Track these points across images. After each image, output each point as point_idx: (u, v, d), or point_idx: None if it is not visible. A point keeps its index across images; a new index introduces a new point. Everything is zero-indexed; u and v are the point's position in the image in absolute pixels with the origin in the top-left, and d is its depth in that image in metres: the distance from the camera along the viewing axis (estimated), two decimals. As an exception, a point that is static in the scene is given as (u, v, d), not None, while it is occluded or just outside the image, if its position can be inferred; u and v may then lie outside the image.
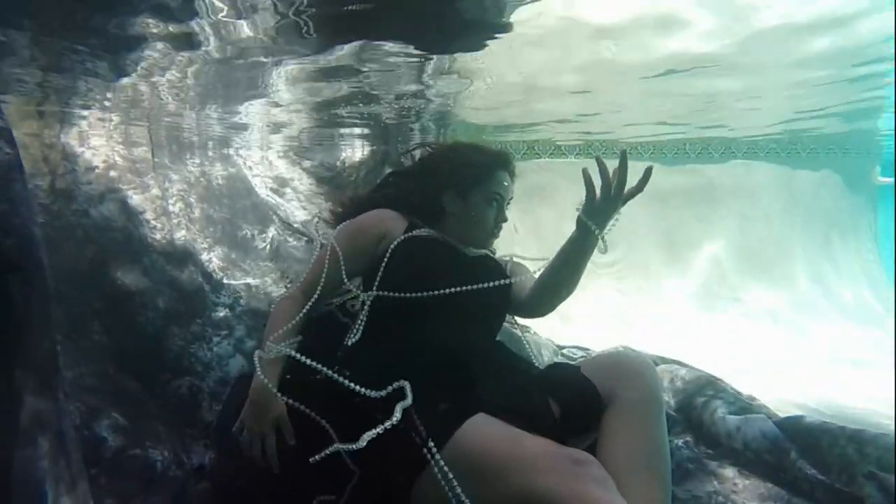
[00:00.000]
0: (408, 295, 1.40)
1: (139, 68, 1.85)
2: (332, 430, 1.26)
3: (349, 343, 1.42)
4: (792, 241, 5.98)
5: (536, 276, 1.55)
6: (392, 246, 1.50)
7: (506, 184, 1.62)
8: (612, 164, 1.39)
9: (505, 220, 1.63)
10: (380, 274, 1.47)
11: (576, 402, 1.29)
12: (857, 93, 3.94)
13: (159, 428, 1.60)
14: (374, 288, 1.46)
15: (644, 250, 5.42)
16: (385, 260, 1.48)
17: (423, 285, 1.42)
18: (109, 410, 1.52)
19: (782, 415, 2.05)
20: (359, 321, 1.46)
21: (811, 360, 4.36)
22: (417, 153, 1.79)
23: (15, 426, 0.71)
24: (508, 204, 1.66)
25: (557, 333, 2.93)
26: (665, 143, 5.56)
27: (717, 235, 5.72)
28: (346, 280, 1.51)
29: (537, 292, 1.56)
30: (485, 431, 1.18)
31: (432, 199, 1.60)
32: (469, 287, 1.42)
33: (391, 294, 1.42)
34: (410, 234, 1.53)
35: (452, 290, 1.41)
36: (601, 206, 1.37)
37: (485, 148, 1.67)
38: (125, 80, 1.97)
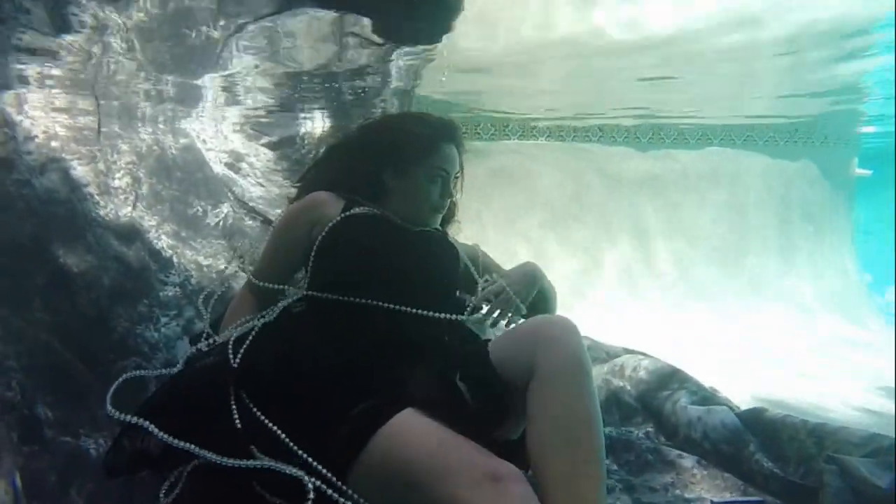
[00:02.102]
0: (342, 298, 1.42)
1: (81, 25, 1.83)
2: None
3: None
4: (766, 232, 6.15)
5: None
6: (323, 232, 1.50)
7: (451, 157, 1.61)
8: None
9: (451, 195, 1.63)
10: (310, 265, 1.49)
11: (480, 394, 1.22)
12: (837, 80, 4.08)
13: (98, 412, 1.62)
14: (306, 282, 1.48)
15: (613, 237, 5.52)
16: (315, 249, 1.49)
17: (358, 269, 1.45)
18: (49, 390, 1.53)
19: (745, 408, 2.15)
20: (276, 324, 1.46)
21: (780, 352, 4.54)
22: (356, 126, 1.78)
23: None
24: (456, 178, 1.65)
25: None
26: (639, 128, 5.66)
27: (688, 224, 5.84)
28: (282, 279, 1.54)
29: None
30: (405, 437, 1.17)
31: (371, 175, 1.59)
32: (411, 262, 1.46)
33: (321, 295, 1.44)
34: (346, 214, 1.53)
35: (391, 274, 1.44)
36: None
37: (428, 118, 1.65)
38: (68, 38, 1.94)
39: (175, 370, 1.39)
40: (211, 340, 1.45)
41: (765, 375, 3.81)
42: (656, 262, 5.65)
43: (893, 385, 3.43)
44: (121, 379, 1.34)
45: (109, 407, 1.24)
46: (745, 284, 5.83)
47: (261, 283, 1.56)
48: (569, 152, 5.51)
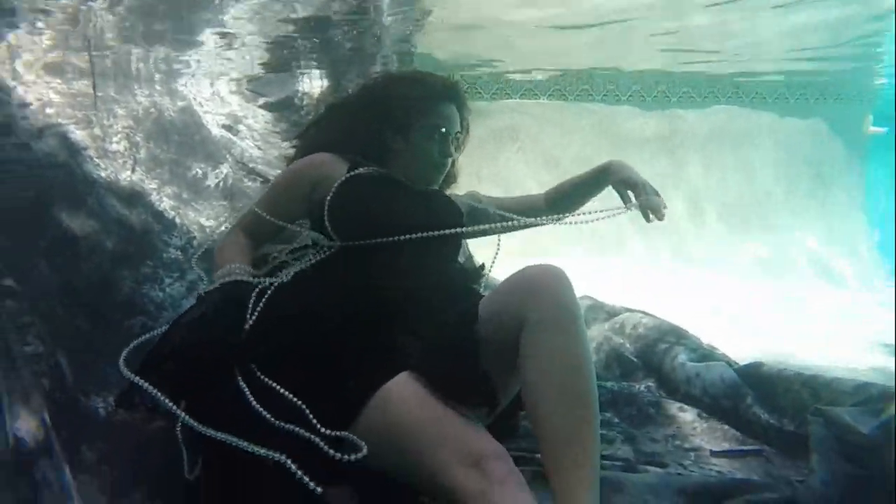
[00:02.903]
0: (356, 243, 1.48)
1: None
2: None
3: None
4: (774, 192, 6.17)
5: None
6: (331, 191, 1.54)
7: (451, 116, 1.65)
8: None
9: (451, 154, 1.68)
10: (325, 219, 1.53)
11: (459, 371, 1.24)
12: (854, 35, 4.05)
13: (107, 370, 1.68)
14: (318, 238, 1.53)
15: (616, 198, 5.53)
16: (326, 207, 1.53)
17: (370, 226, 1.49)
18: (60, 350, 1.61)
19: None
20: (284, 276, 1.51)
21: (787, 311, 4.61)
22: (355, 86, 1.82)
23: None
24: (457, 136, 1.69)
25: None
26: (644, 87, 5.63)
27: (694, 185, 5.86)
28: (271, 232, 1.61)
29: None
30: (397, 405, 1.21)
31: (372, 135, 1.64)
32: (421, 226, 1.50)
33: (337, 243, 1.50)
34: (352, 173, 1.58)
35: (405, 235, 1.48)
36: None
37: (427, 77, 1.69)
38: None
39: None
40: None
41: (769, 334, 3.89)
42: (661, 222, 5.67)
43: (894, 342, 3.50)
44: (132, 345, 1.40)
45: (123, 368, 1.30)
46: (752, 245, 5.88)
47: (264, 217, 1.60)
48: (572, 112, 5.51)
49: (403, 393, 1.23)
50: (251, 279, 1.50)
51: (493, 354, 1.29)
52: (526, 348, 1.24)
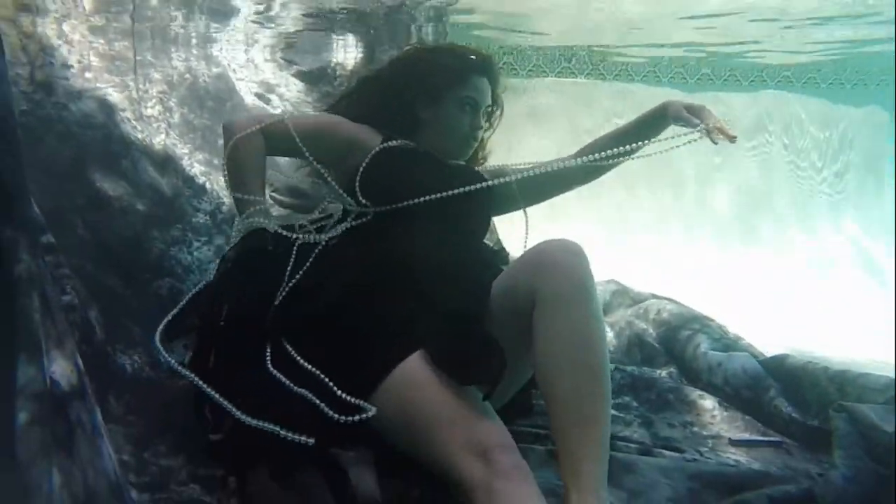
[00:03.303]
0: (386, 210, 1.51)
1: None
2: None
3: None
4: (820, 184, 6.02)
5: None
6: (366, 160, 1.58)
7: (482, 88, 1.67)
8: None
9: (480, 126, 1.70)
10: (357, 187, 1.57)
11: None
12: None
13: (134, 329, 1.76)
14: (353, 201, 1.56)
15: (651, 184, 5.47)
16: (359, 175, 1.56)
17: (401, 198, 1.52)
18: (93, 303, 1.69)
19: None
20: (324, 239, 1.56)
21: (822, 304, 4.53)
22: (387, 59, 1.85)
23: (12, 279, 0.85)
24: (488, 110, 1.72)
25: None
26: (686, 68, 5.50)
27: (736, 172, 5.74)
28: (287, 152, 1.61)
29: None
30: (409, 388, 1.25)
31: (404, 108, 1.67)
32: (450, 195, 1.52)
33: (367, 209, 1.53)
34: (386, 145, 1.62)
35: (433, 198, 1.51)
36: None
37: (460, 49, 1.73)
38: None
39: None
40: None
41: (801, 326, 3.85)
42: (697, 208, 5.61)
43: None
44: (162, 325, 1.49)
45: (160, 349, 1.39)
46: (793, 236, 5.77)
47: (293, 136, 1.59)
48: (609, 92, 5.43)
49: (415, 376, 1.25)
50: (272, 227, 1.55)
51: (507, 330, 1.31)
52: (538, 323, 1.26)
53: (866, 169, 6.25)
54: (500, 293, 1.36)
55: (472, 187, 1.53)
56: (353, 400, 1.26)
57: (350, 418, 1.23)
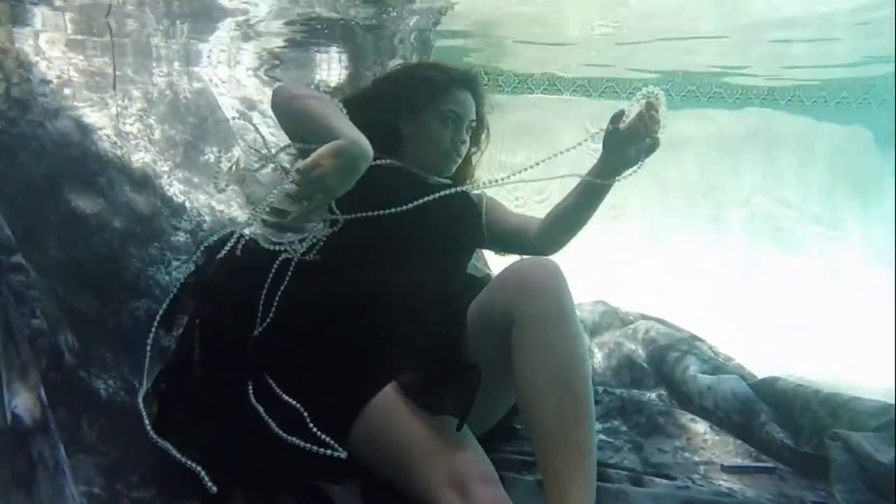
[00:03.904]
0: (361, 215, 1.47)
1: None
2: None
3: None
4: (806, 202, 6.06)
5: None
6: None
7: (465, 103, 1.65)
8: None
9: (463, 141, 1.68)
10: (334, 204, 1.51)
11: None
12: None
13: (107, 354, 1.72)
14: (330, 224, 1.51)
15: (643, 201, 5.48)
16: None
17: (381, 218, 1.49)
18: (65, 326, 1.64)
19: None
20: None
21: (815, 326, 4.53)
22: (371, 79, 1.83)
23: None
24: (471, 125, 1.69)
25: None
26: (672, 85, 5.53)
27: (722, 190, 5.77)
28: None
29: (548, 227, 1.67)
30: (385, 420, 1.24)
31: (387, 124, 1.64)
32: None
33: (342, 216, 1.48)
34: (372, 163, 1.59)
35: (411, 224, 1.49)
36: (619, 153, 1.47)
37: (444, 65, 1.71)
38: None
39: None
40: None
41: (795, 346, 3.84)
42: (687, 224, 5.62)
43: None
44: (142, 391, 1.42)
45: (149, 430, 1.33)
46: (781, 255, 5.79)
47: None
48: (595, 109, 5.45)
49: (389, 408, 1.24)
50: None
51: (486, 353, 1.28)
52: (517, 345, 1.23)
53: (852, 187, 6.30)
54: (477, 315, 1.33)
55: (438, 195, 1.49)
56: (327, 439, 1.25)
57: (323, 451, 1.22)
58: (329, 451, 1.23)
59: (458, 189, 1.57)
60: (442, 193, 1.51)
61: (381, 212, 1.48)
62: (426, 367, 1.27)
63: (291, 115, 1.48)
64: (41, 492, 0.90)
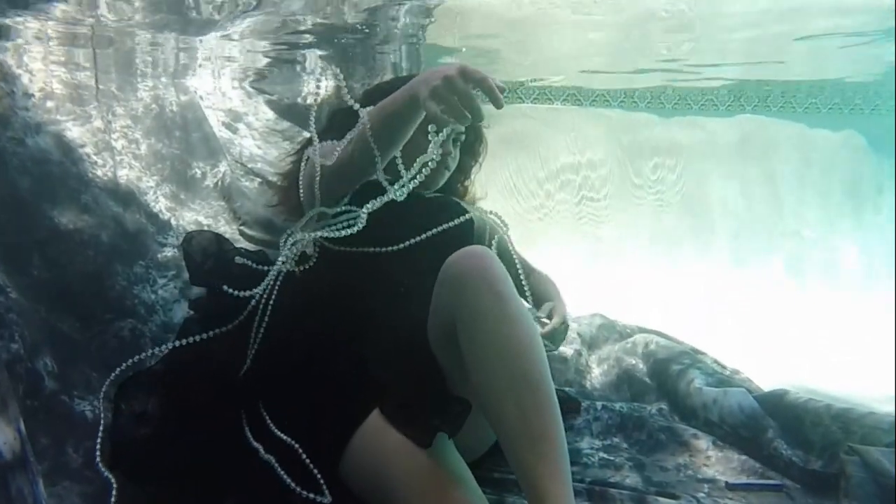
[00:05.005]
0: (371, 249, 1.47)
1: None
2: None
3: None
4: (800, 209, 6.07)
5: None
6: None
7: None
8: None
9: (450, 152, 1.67)
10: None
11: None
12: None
13: (92, 375, 1.68)
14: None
15: (633, 209, 5.47)
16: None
17: (379, 234, 1.47)
18: (47, 348, 1.60)
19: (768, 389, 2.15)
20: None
21: (813, 335, 4.53)
22: (360, 93, 1.83)
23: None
24: (459, 137, 1.68)
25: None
26: (663, 92, 5.54)
27: (715, 197, 5.77)
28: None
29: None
30: (371, 448, 1.23)
31: None
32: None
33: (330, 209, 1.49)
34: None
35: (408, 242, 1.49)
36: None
37: None
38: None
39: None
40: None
41: (795, 358, 3.82)
42: (679, 236, 5.61)
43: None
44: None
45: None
46: (774, 264, 5.79)
47: None
48: (586, 118, 5.44)
49: (374, 440, 1.23)
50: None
51: (455, 363, 1.25)
52: (464, 344, 1.18)
53: (845, 193, 6.33)
54: (433, 326, 1.31)
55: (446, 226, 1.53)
56: (317, 475, 1.27)
57: (309, 495, 1.24)
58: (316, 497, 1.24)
59: (463, 218, 1.58)
60: (453, 223, 1.55)
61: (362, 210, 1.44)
62: (410, 395, 1.25)
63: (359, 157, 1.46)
64: (19, 531, 0.86)
